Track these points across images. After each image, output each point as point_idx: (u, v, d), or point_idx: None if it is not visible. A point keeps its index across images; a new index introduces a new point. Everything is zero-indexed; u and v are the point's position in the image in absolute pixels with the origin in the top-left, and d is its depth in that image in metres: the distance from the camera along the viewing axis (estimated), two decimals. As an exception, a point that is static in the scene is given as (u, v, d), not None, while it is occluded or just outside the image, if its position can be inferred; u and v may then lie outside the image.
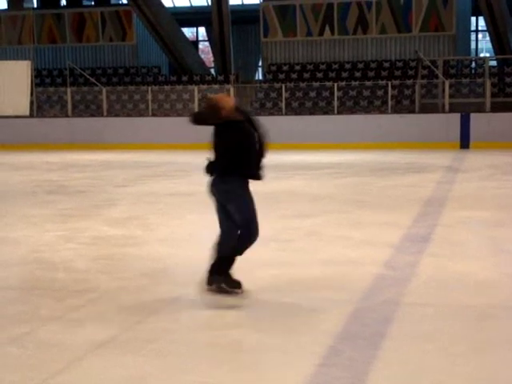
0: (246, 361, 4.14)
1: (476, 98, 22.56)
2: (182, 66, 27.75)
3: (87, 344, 4.36)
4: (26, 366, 4.04)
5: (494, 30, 24.72)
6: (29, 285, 6.16)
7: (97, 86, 24.92)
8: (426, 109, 22.46)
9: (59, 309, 5.17)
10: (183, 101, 24.12)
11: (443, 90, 22.25)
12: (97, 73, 27.61)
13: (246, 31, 31.47)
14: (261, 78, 29.71)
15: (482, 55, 35.10)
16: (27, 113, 19.48)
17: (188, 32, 33.97)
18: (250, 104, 23.45)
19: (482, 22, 29.05)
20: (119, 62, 28.53)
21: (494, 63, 26.24)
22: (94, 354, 4.22)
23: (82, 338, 4.48)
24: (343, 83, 23.57)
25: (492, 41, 25.63)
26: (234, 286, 5.33)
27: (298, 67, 26.15)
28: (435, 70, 23.35)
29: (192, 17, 31.99)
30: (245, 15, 29.93)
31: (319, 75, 25.37)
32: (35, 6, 31.34)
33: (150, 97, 24.03)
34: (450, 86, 22.31)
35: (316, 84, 24.03)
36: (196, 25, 34.14)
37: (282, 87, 23.44)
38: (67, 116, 24.39)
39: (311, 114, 23.01)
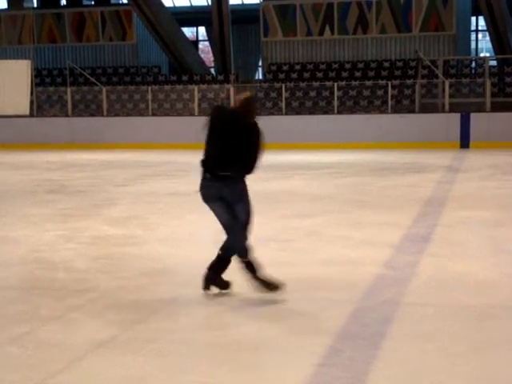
0: (246, 361, 4.14)
1: (476, 98, 22.55)
2: (182, 66, 27.74)
3: (87, 344, 4.36)
4: (26, 366, 4.04)
5: (494, 29, 24.72)
6: (29, 284, 6.16)
7: (97, 85, 24.91)
8: (426, 109, 22.46)
9: (59, 308, 5.17)
10: (183, 100, 24.11)
11: (443, 90, 22.24)
12: (97, 72, 27.60)
13: (246, 31, 31.46)
14: (261, 77, 29.70)
15: (482, 55, 35.10)
16: (27, 112, 19.44)
17: (188, 32, 33.97)
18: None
19: (482, 21, 29.05)
20: (119, 62, 28.53)
21: (494, 63, 26.23)
22: (94, 353, 4.22)
23: (81, 338, 4.48)
24: (343, 83, 23.55)
25: (492, 41, 25.62)
26: (223, 287, 5.36)
27: (298, 67, 26.14)
28: (435, 69, 23.35)
29: (192, 16, 31.98)
30: (245, 15, 29.92)
31: (319, 75, 25.36)
32: (35, 5, 31.33)
33: (150, 96, 24.03)
34: (450, 86, 22.30)
35: (316, 84, 24.02)
36: (196, 24, 34.13)
37: (282, 87, 23.43)
38: (67, 116, 24.38)
39: (311, 113, 23.00)
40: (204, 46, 36.72)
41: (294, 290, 5.53)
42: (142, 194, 11.42)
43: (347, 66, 25.56)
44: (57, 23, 28.81)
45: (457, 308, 5.14)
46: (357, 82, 23.70)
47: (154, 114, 23.87)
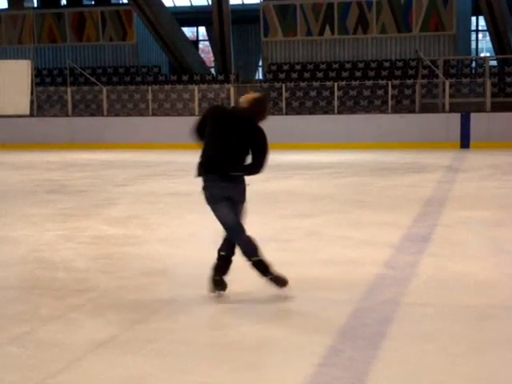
0: (246, 361, 4.14)
1: (476, 98, 22.54)
2: (182, 66, 27.75)
3: (87, 344, 4.36)
4: (26, 366, 4.04)
5: (494, 29, 24.72)
6: (29, 284, 6.16)
7: (97, 85, 24.92)
8: (426, 108, 22.46)
9: (59, 308, 5.16)
10: (183, 100, 24.11)
11: (443, 90, 22.24)
12: (97, 72, 27.61)
13: (246, 31, 31.46)
14: (261, 77, 29.70)
15: (482, 55, 35.10)
16: (27, 112, 19.46)
17: (188, 31, 33.97)
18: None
19: (482, 21, 29.05)
20: (119, 62, 28.53)
21: (494, 63, 26.23)
22: (94, 353, 4.22)
23: (82, 338, 4.48)
24: (343, 83, 23.56)
25: (492, 40, 25.62)
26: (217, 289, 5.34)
27: (298, 67, 26.15)
28: (435, 69, 23.35)
29: (192, 16, 31.98)
30: (245, 15, 29.92)
31: (319, 75, 25.36)
32: (35, 5, 31.33)
33: (150, 96, 24.03)
34: (451, 86, 22.30)
35: (316, 84, 24.02)
36: (196, 24, 34.13)
37: (282, 87, 23.43)
38: (67, 115, 24.38)
39: (311, 113, 23.01)
40: (204, 46, 36.72)
41: (294, 289, 5.53)
42: (142, 194, 11.42)
43: (347, 65, 25.57)
44: (57, 23, 28.81)
45: (457, 308, 5.14)
46: (357, 82, 23.70)
47: (154, 114, 23.87)
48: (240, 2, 31.69)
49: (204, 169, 5.22)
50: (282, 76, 25.61)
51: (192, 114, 23.22)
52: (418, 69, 24.38)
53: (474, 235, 8.13)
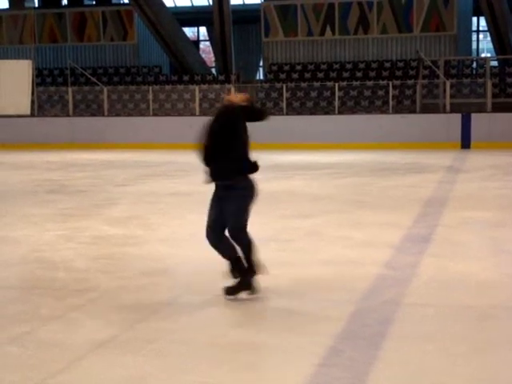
0: (246, 361, 4.14)
1: (477, 99, 22.54)
2: (183, 66, 27.75)
3: (87, 343, 4.35)
4: (26, 366, 4.04)
5: (495, 30, 24.71)
6: (29, 284, 6.15)
7: (98, 85, 24.92)
8: (427, 109, 22.45)
9: (59, 308, 5.16)
10: (184, 100, 24.11)
11: (444, 90, 22.22)
12: (98, 72, 27.61)
13: (247, 31, 31.46)
14: (262, 77, 29.70)
15: (483, 55, 35.09)
16: (28, 112, 19.46)
17: (189, 32, 33.97)
18: (254, 103, 23.38)
19: (483, 22, 29.04)
20: (120, 62, 28.54)
21: (495, 63, 26.22)
22: (95, 353, 4.22)
23: (82, 338, 4.47)
24: (344, 83, 23.55)
25: (493, 41, 25.62)
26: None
27: (299, 67, 26.15)
28: (436, 70, 23.34)
29: (193, 16, 31.99)
30: (246, 15, 29.91)
31: (320, 75, 25.36)
32: (36, 5, 31.35)
33: (150, 96, 24.03)
34: (451, 86, 22.30)
35: (317, 84, 24.02)
36: (197, 24, 34.14)
37: (282, 87, 23.44)
38: (68, 115, 24.39)
39: (312, 113, 23.00)
40: (205, 46, 36.71)
41: (294, 290, 5.53)
42: (142, 194, 11.42)
43: (348, 66, 25.57)
44: (58, 23, 28.82)
45: (457, 308, 5.13)
46: (358, 83, 23.70)
47: (155, 114, 23.87)
48: (241, 2, 31.69)
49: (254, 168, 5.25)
50: (282, 76, 25.61)
51: (193, 115, 23.24)
52: (419, 69, 24.37)
53: (474, 236, 8.12)
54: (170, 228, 8.49)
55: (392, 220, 8.67)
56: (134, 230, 8.33)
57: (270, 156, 16.87)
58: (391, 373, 3.88)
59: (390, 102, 22.35)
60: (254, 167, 5.21)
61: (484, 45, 38.28)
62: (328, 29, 26.18)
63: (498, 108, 21.84)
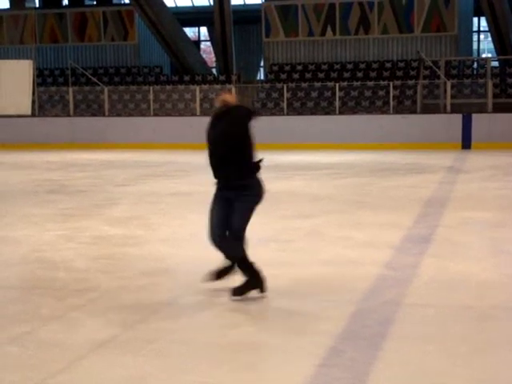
0: (246, 361, 4.14)
1: (478, 99, 22.54)
2: (183, 66, 27.75)
3: (88, 343, 4.36)
4: (27, 366, 4.04)
5: (495, 30, 24.71)
6: (29, 284, 6.16)
7: (98, 85, 24.93)
8: (427, 109, 22.45)
9: (60, 308, 5.16)
10: (185, 101, 24.12)
11: (445, 91, 22.22)
12: (99, 72, 27.62)
13: (247, 31, 31.47)
14: (262, 77, 29.72)
15: (483, 56, 35.09)
16: (29, 112, 19.48)
17: (190, 32, 33.97)
18: (252, 104, 23.45)
19: (483, 22, 29.04)
20: (121, 62, 28.54)
21: (495, 64, 26.22)
22: (95, 353, 4.22)
23: (82, 338, 4.48)
24: (345, 83, 23.56)
25: (494, 41, 25.61)
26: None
27: (299, 67, 26.15)
28: (437, 70, 23.34)
29: (194, 16, 32.00)
30: (247, 15, 29.93)
31: (321, 75, 25.36)
32: (37, 5, 31.36)
33: (151, 96, 24.04)
34: (452, 87, 22.29)
35: (318, 84, 24.03)
36: (198, 25, 34.14)
37: (283, 87, 23.44)
38: (69, 115, 24.39)
39: (313, 114, 23.00)
40: (206, 47, 36.71)
41: (295, 290, 5.53)
42: (143, 194, 11.42)
43: (349, 66, 25.57)
44: (59, 23, 28.83)
45: (458, 309, 5.13)
46: (358, 83, 23.70)
47: (155, 114, 23.88)
48: (241, 3, 31.69)
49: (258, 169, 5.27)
50: (283, 76, 25.61)
51: (193, 115, 23.25)
52: (420, 69, 24.37)
53: (475, 236, 8.12)
54: (170, 228, 8.49)
55: (392, 220, 8.67)
56: (135, 230, 8.33)
57: (271, 156, 16.84)
58: (391, 373, 3.88)
59: (391, 103, 22.35)
60: (258, 167, 5.23)
61: (485, 45, 38.28)
62: (329, 29, 26.18)
63: (498, 108, 21.83)
